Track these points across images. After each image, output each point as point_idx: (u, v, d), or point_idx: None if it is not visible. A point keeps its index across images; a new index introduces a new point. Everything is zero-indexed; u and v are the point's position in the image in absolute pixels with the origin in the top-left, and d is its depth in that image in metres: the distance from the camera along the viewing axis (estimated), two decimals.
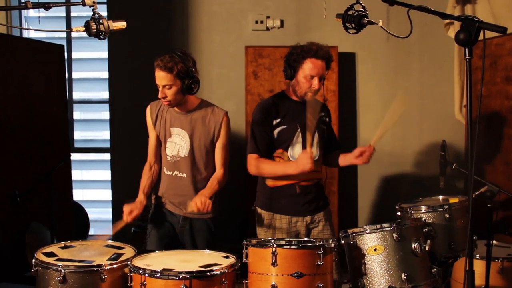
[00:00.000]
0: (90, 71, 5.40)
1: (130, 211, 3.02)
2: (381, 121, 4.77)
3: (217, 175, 3.11)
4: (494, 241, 3.05)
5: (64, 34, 5.19)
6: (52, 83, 4.39)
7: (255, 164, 3.06)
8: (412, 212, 2.89)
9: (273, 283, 2.34)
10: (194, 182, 3.10)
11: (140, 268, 2.37)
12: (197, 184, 3.10)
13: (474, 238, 2.82)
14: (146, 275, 2.34)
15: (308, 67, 2.99)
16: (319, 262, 2.37)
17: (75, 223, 4.63)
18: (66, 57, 4.78)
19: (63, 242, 2.81)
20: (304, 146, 3.07)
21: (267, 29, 4.82)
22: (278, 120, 3.07)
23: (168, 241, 3.13)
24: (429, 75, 4.84)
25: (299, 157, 2.94)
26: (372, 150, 3.03)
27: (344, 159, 3.20)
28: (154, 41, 4.78)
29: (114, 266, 2.48)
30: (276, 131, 3.07)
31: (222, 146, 3.11)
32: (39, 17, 5.19)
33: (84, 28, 2.16)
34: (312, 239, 2.59)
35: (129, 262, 2.47)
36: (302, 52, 3.00)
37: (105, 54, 4.96)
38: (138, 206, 3.06)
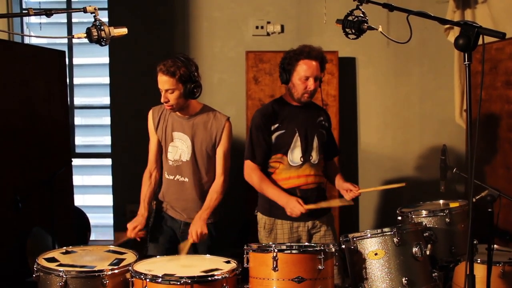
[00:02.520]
0: (91, 77, 5.42)
1: (134, 227, 3.03)
2: (381, 126, 4.82)
3: (216, 188, 3.09)
4: (495, 245, 3.04)
5: (65, 40, 5.21)
6: (53, 89, 4.40)
7: (248, 172, 3.11)
8: (413, 216, 2.89)
9: None
10: (197, 186, 3.10)
11: (141, 273, 2.38)
12: (199, 189, 3.10)
13: (474, 242, 2.83)
14: (148, 280, 2.34)
15: (302, 68, 3.01)
16: (320, 267, 2.37)
17: (76, 228, 4.63)
18: (67, 63, 4.79)
19: (64, 248, 2.82)
20: (303, 151, 3.08)
21: (268, 34, 4.84)
22: (277, 125, 3.08)
23: (169, 246, 3.13)
24: (429, 79, 4.85)
25: (293, 201, 2.97)
26: (358, 193, 3.10)
27: (338, 184, 3.27)
28: (155, 47, 4.80)
29: (116, 271, 2.49)
30: (274, 136, 3.08)
31: (223, 153, 3.11)
32: (40, 23, 5.21)
33: (85, 35, 2.18)
34: (312, 244, 2.60)
35: (130, 267, 2.47)
36: (295, 54, 3.04)
37: (106, 60, 4.98)
38: (141, 221, 3.07)
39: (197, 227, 2.94)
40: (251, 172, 3.09)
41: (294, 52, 3.06)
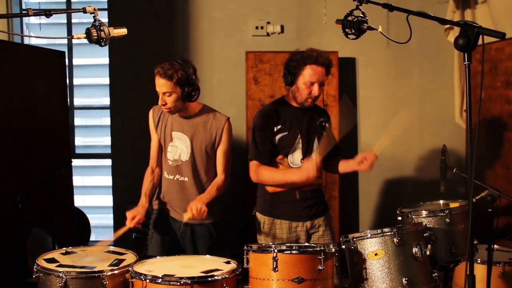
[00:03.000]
0: (91, 77, 5.41)
1: (133, 216, 3.03)
2: (381, 126, 4.83)
3: (217, 181, 3.11)
4: (495, 245, 3.04)
5: (65, 41, 5.21)
6: (53, 89, 4.40)
7: (255, 171, 3.06)
8: (413, 216, 2.89)
9: None
10: (196, 186, 3.10)
11: (141, 274, 2.38)
12: (199, 188, 3.10)
13: (475, 242, 2.82)
14: (148, 280, 2.34)
15: (308, 73, 2.99)
16: (320, 267, 2.38)
17: (76, 229, 4.63)
18: (67, 63, 4.79)
19: (64, 248, 2.82)
20: (304, 152, 3.08)
21: (268, 34, 4.84)
22: (279, 126, 3.08)
23: (169, 246, 3.13)
24: (429, 80, 4.85)
25: (304, 164, 2.95)
26: (374, 157, 3.01)
27: (345, 166, 3.20)
28: (155, 47, 4.80)
29: (116, 272, 2.49)
30: (277, 138, 3.07)
31: (223, 152, 3.11)
32: (40, 24, 5.21)
33: (85, 35, 2.18)
34: (313, 244, 2.60)
35: (130, 268, 2.47)
36: (302, 58, 3.00)
37: (106, 60, 4.98)
38: (141, 211, 3.06)
39: (197, 203, 2.92)
40: (257, 170, 3.06)
41: (301, 55, 3.01)
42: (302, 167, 2.95)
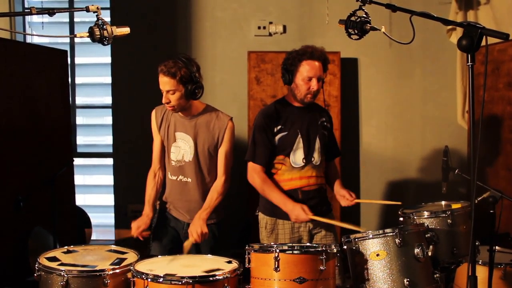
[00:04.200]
0: (93, 77, 5.42)
1: (138, 227, 3.03)
2: (383, 126, 4.82)
3: (216, 187, 3.09)
4: (496, 247, 3.04)
5: (67, 40, 5.21)
6: (55, 88, 4.40)
7: (251, 174, 3.10)
8: (415, 217, 2.89)
9: None
10: (199, 186, 3.10)
11: (143, 273, 2.37)
12: (202, 189, 3.10)
13: (476, 243, 2.82)
14: (149, 280, 2.34)
15: (305, 69, 3.00)
16: (321, 268, 2.37)
17: (77, 228, 4.63)
18: (69, 62, 4.80)
19: (66, 247, 2.82)
20: (305, 152, 3.08)
21: (270, 34, 4.84)
22: (279, 126, 3.08)
23: (172, 246, 3.12)
24: (431, 81, 4.85)
25: (298, 208, 2.97)
26: (353, 203, 3.16)
27: (336, 188, 3.28)
28: (157, 46, 4.80)
29: (117, 271, 2.49)
30: (277, 138, 3.07)
31: (225, 153, 3.10)
32: (42, 22, 5.21)
33: (88, 34, 2.18)
34: (314, 244, 2.59)
35: (132, 267, 2.47)
36: (298, 55, 3.03)
37: (108, 60, 4.98)
38: (145, 221, 3.07)
39: (197, 227, 2.94)
40: (253, 173, 3.09)
41: (296, 52, 3.05)
42: (295, 210, 2.98)
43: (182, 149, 3.09)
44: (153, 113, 3.18)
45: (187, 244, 2.90)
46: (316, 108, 3.24)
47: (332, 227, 3.19)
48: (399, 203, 3.05)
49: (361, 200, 3.11)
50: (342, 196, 3.18)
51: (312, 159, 3.11)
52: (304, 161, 3.08)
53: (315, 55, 3.01)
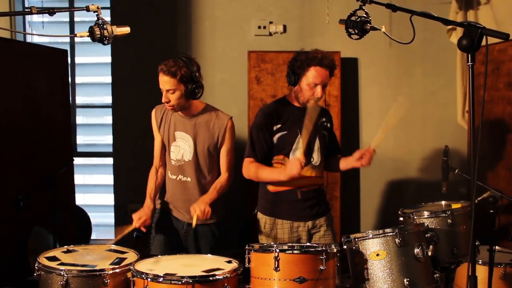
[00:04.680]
0: (93, 76, 5.41)
1: (139, 217, 3.03)
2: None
3: (221, 180, 3.11)
4: (496, 246, 3.04)
5: (67, 39, 5.21)
6: (55, 88, 4.40)
7: (246, 167, 3.07)
8: (415, 217, 2.89)
9: None
10: (199, 186, 3.10)
11: (142, 273, 2.38)
12: (202, 188, 3.10)
13: (476, 243, 2.82)
14: (149, 279, 2.34)
15: (312, 75, 2.99)
16: (321, 267, 2.37)
17: (77, 228, 4.63)
18: (69, 61, 4.79)
19: (66, 247, 2.82)
20: (305, 152, 3.07)
21: (270, 34, 4.84)
22: (279, 125, 3.07)
23: (172, 246, 3.13)
24: (431, 80, 4.84)
25: (288, 163, 2.94)
26: (372, 152, 3.02)
27: (345, 163, 3.19)
28: (157, 46, 4.80)
29: (117, 270, 2.49)
30: (276, 137, 3.07)
31: (227, 151, 3.11)
32: (42, 22, 5.20)
33: (88, 33, 2.18)
34: (314, 244, 2.59)
35: (131, 267, 2.47)
36: (307, 59, 2.99)
37: (108, 59, 4.98)
38: (147, 212, 3.07)
39: (200, 205, 2.94)
40: (248, 166, 3.06)
41: (306, 56, 3.00)
42: (286, 166, 2.94)
43: (182, 148, 3.09)
44: (153, 112, 3.18)
45: (193, 221, 2.91)
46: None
47: (330, 227, 3.19)
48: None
49: (376, 141, 3.00)
50: (359, 157, 3.03)
51: (312, 159, 3.10)
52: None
53: (324, 62, 2.98)
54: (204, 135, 3.07)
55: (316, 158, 3.12)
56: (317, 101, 3.06)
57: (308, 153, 3.09)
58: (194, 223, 2.92)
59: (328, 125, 3.26)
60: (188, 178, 3.10)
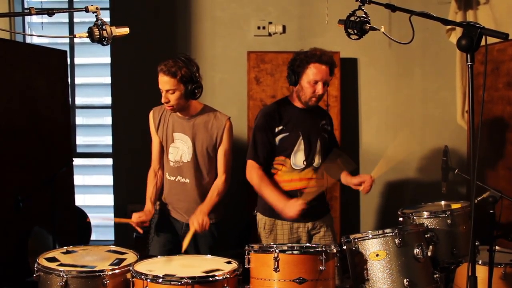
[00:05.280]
0: (92, 77, 5.42)
1: (139, 216, 3.04)
2: (383, 127, 4.82)
3: (217, 184, 3.10)
4: (496, 247, 3.04)
5: (67, 40, 5.21)
6: (55, 89, 4.40)
7: (250, 171, 3.07)
8: (414, 217, 2.89)
9: None
10: (198, 187, 3.10)
11: (142, 273, 2.37)
12: (200, 189, 3.10)
13: (476, 243, 2.82)
14: (148, 280, 2.34)
15: (312, 72, 2.99)
16: (321, 268, 2.37)
17: (77, 228, 4.63)
18: (69, 62, 4.79)
19: (65, 247, 2.82)
20: (306, 154, 3.07)
21: (269, 34, 4.84)
22: (281, 127, 3.07)
23: (171, 247, 3.12)
24: (431, 80, 4.84)
25: (291, 202, 2.93)
26: (372, 181, 3.08)
27: (345, 179, 3.23)
28: (157, 46, 4.80)
29: (116, 271, 2.49)
30: (278, 138, 3.07)
31: (224, 152, 3.11)
32: (42, 23, 5.21)
33: (87, 34, 2.18)
34: (314, 245, 2.59)
35: (131, 267, 2.47)
36: (306, 57, 3.01)
37: (107, 60, 4.98)
38: (147, 214, 3.07)
39: (198, 217, 2.93)
40: (252, 171, 3.07)
41: (305, 54, 3.02)
42: (288, 203, 2.93)
43: (180, 149, 3.09)
44: (151, 113, 3.18)
45: (187, 237, 2.90)
46: (318, 110, 3.23)
47: (330, 228, 3.19)
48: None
49: (377, 172, 3.05)
50: (359, 184, 3.10)
51: (313, 161, 3.10)
52: (305, 163, 3.08)
53: (323, 59, 3.00)
54: (202, 136, 3.07)
55: (317, 160, 3.12)
56: (318, 99, 3.06)
57: (309, 155, 3.08)
58: (186, 243, 2.89)
59: (329, 128, 3.25)
60: (187, 179, 3.10)
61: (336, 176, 3.27)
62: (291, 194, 3.06)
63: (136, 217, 3.04)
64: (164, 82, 2.93)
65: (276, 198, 2.99)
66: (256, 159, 3.06)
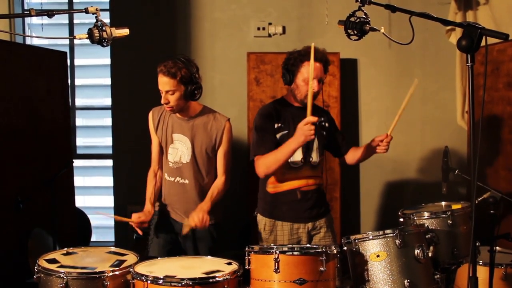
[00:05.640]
0: (92, 78, 5.41)
1: (138, 217, 3.04)
2: (383, 127, 4.82)
3: (217, 184, 3.10)
4: (497, 247, 3.03)
5: (66, 41, 5.21)
6: (54, 90, 4.40)
7: (258, 164, 3.00)
8: (415, 218, 2.88)
9: None
10: (197, 188, 3.10)
11: (142, 275, 2.37)
12: (200, 190, 3.10)
13: (477, 244, 2.81)
14: (149, 281, 2.33)
15: (306, 70, 3.00)
16: (321, 269, 2.37)
17: (77, 230, 4.63)
18: (69, 63, 4.79)
19: (65, 249, 2.82)
20: (304, 151, 3.07)
21: (269, 35, 4.83)
22: (279, 125, 3.07)
23: (170, 248, 3.13)
24: (431, 81, 4.84)
25: (298, 127, 2.83)
26: (390, 139, 3.07)
27: (357, 153, 3.23)
28: (157, 48, 4.80)
29: (117, 272, 2.48)
30: (278, 136, 3.06)
31: (224, 153, 3.11)
32: (42, 24, 5.21)
33: (87, 35, 2.18)
34: (314, 246, 2.59)
35: (131, 269, 2.47)
36: (300, 55, 3.02)
37: (107, 61, 4.98)
38: (147, 215, 3.07)
39: (199, 214, 2.93)
40: (257, 163, 2.99)
41: (298, 53, 3.04)
42: (297, 131, 2.82)
43: (180, 150, 3.09)
44: (150, 114, 3.18)
45: (185, 227, 2.92)
46: (315, 108, 3.23)
47: (331, 228, 3.18)
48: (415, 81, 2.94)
49: (391, 127, 3.05)
50: (379, 144, 3.10)
51: (311, 159, 3.10)
52: (302, 161, 3.08)
53: (316, 56, 3.00)
54: (201, 137, 3.07)
55: (315, 157, 3.12)
56: (314, 97, 3.06)
57: (306, 152, 3.08)
58: (185, 230, 2.91)
59: (327, 124, 3.25)
60: (186, 180, 3.10)
61: (356, 155, 3.27)
62: (290, 193, 3.06)
63: (136, 218, 3.04)
64: (164, 83, 2.93)
65: (285, 145, 2.90)
66: (262, 152, 3.00)
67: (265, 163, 2.98)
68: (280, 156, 2.93)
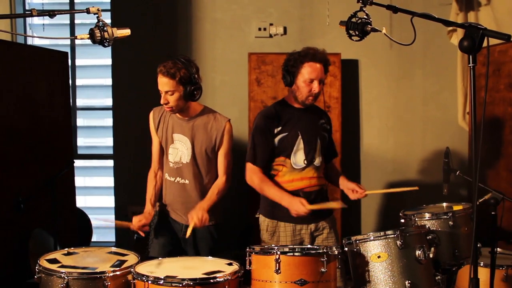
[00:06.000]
0: (93, 78, 5.42)
1: (139, 220, 3.04)
2: (384, 128, 4.82)
3: (218, 184, 3.10)
4: (498, 248, 3.03)
5: (68, 41, 5.21)
6: (56, 90, 4.40)
7: (249, 174, 3.08)
8: (416, 219, 2.89)
9: None
10: (197, 188, 3.10)
11: (143, 275, 2.37)
12: (200, 190, 3.10)
13: (478, 245, 2.81)
14: (150, 282, 2.34)
15: (307, 71, 3.00)
16: (322, 270, 2.37)
17: (78, 230, 4.63)
18: (70, 64, 4.79)
19: (66, 249, 2.82)
20: (306, 154, 3.07)
21: (270, 36, 4.83)
22: (279, 128, 3.07)
23: (171, 248, 3.12)
24: (432, 82, 4.84)
25: (296, 202, 2.95)
26: (363, 195, 3.13)
27: (342, 185, 3.27)
28: (158, 48, 4.80)
29: (118, 273, 2.49)
30: (277, 139, 3.07)
31: (224, 154, 3.11)
32: (43, 24, 5.21)
33: (88, 36, 2.18)
34: (315, 246, 2.59)
35: (132, 269, 2.47)
36: (300, 57, 3.03)
37: (108, 61, 4.98)
38: (147, 217, 3.08)
39: (198, 212, 2.93)
40: (252, 174, 3.08)
41: (298, 54, 3.05)
42: (293, 204, 2.95)
43: (180, 150, 3.09)
44: (151, 114, 3.18)
45: (188, 231, 2.91)
46: (315, 109, 3.24)
47: (333, 229, 3.18)
48: (415, 188, 3.02)
49: (372, 192, 3.09)
50: (351, 190, 3.15)
51: (313, 160, 3.10)
52: (305, 162, 3.08)
53: (316, 57, 3.01)
54: (202, 137, 3.07)
55: (317, 159, 3.12)
56: (315, 98, 3.07)
57: (309, 154, 3.08)
58: (188, 233, 2.90)
59: (328, 126, 3.26)
60: (186, 180, 3.10)
61: (335, 180, 3.32)
62: (293, 194, 3.06)
63: (136, 221, 3.04)
64: (163, 83, 2.93)
65: (280, 196, 3.01)
66: (255, 162, 3.07)
67: (253, 180, 3.08)
68: (266, 193, 3.07)
